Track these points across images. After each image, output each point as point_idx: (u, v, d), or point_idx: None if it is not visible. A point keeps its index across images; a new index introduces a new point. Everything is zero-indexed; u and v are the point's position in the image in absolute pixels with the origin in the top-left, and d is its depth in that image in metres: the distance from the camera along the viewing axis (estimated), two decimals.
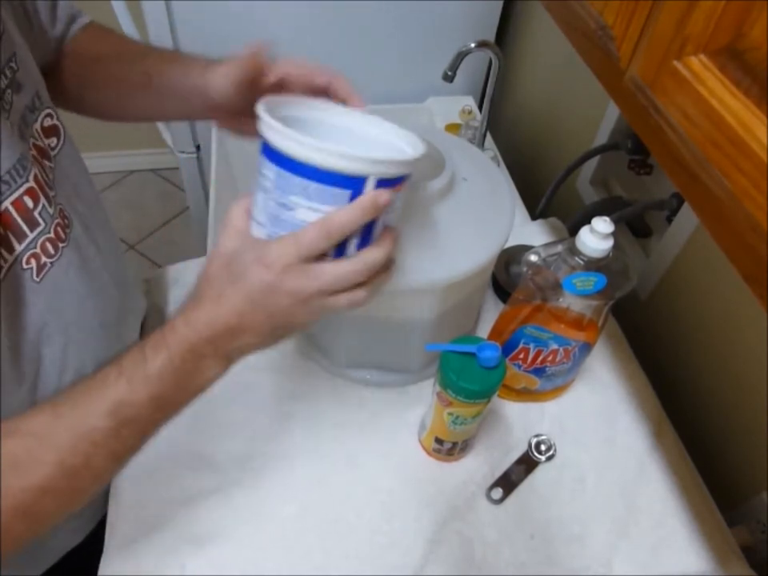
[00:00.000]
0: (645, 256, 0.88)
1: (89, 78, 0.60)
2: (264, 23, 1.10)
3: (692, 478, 0.67)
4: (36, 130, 0.50)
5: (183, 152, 1.33)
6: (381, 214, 0.41)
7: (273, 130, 0.39)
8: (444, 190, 0.59)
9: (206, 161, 1.35)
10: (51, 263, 0.49)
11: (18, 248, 0.46)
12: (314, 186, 0.39)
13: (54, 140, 0.53)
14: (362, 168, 0.39)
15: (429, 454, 0.66)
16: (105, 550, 0.59)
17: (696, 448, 0.70)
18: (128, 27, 1.18)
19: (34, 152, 0.48)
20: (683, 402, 0.78)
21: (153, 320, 0.76)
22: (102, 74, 0.59)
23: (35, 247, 0.47)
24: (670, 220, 0.81)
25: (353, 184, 0.40)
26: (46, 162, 0.50)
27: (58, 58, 0.59)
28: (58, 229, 0.49)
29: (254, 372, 0.72)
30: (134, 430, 0.42)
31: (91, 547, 0.66)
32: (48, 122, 0.52)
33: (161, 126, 1.36)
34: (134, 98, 0.59)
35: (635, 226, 0.91)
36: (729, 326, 0.72)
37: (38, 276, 0.48)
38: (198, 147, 1.33)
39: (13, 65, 0.47)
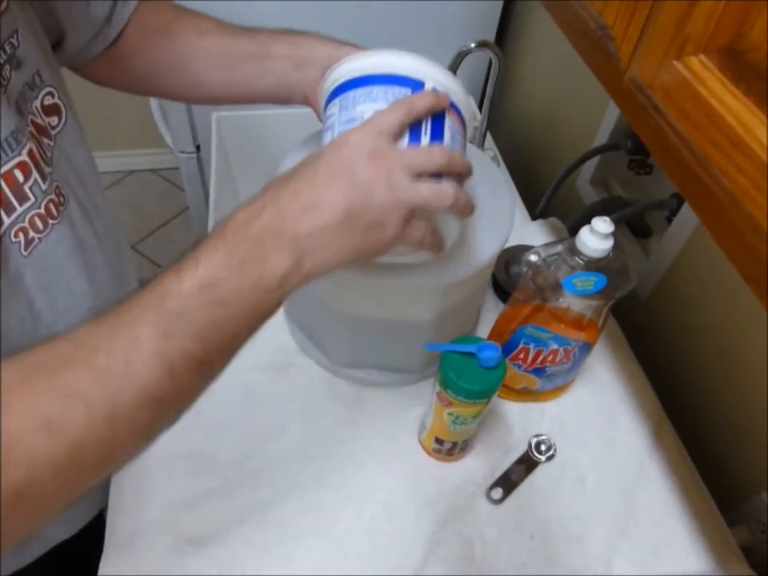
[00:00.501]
0: (645, 256, 0.88)
1: (170, 56, 0.60)
2: (263, 24, 1.10)
3: (692, 477, 0.67)
4: (36, 107, 0.50)
5: (183, 152, 1.34)
6: (446, 121, 0.45)
7: (340, 65, 0.47)
8: None
9: (206, 161, 1.35)
10: (39, 239, 0.48)
11: (6, 221, 0.45)
12: (377, 88, 0.45)
13: (55, 119, 0.53)
14: (418, 67, 0.45)
15: (429, 454, 0.66)
16: (105, 549, 0.59)
17: (696, 448, 0.70)
18: None
19: (32, 128, 0.48)
20: (683, 401, 0.78)
21: None
22: (194, 49, 0.59)
23: (23, 221, 0.47)
24: (670, 220, 0.81)
25: (412, 83, 0.45)
26: (45, 140, 0.50)
27: (123, 40, 0.59)
28: (50, 205, 0.49)
29: (253, 372, 0.72)
30: (185, 327, 0.35)
31: (83, 539, 0.66)
32: (49, 101, 0.51)
33: (161, 126, 1.36)
34: (237, 71, 0.59)
35: (635, 226, 0.91)
36: (729, 325, 0.72)
37: (25, 250, 0.47)
38: (197, 147, 1.33)
39: (14, 41, 0.47)
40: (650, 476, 0.67)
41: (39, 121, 0.50)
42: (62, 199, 0.51)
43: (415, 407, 0.69)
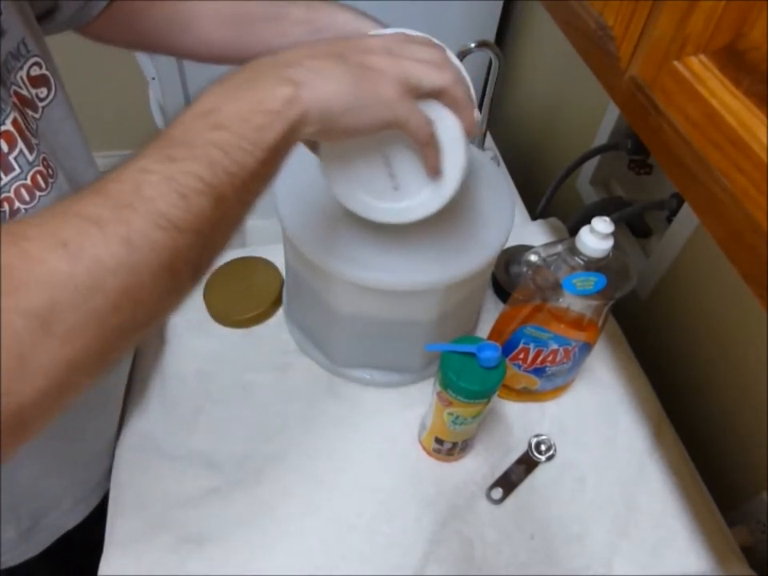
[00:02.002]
0: (645, 256, 0.88)
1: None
2: None
3: (692, 477, 0.67)
4: (21, 78, 0.48)
5: None
6: None
7: None
8: None
9: None
10: (26, 209, 0.47)
11: None
12: None
13: (44, 90, 0.51)
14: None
15: (429, 454, 0.66)
16: (105, 549, 0.59)
17: (696, 448, 0.70)
18: None
19: (14, 99, 0.46)
20: (683, 401, 0.78)
21: None
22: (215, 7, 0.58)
23: (9, 191, 0.45)
24: (670, 220, 0.81)
25: None
26: (30, 112, 0.49)
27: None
28: (37, 176, 0.47)
29: (253, 372, 0.72)
30: (190, 152, 0.34)
31: (87, 529, 0.66)
32: (36, 71, 0.50)
33: (161, 126, 1.36)
34: (250, 32, 0.57)
35: (635, 226, 0.91)
36: (728, 325, 0.72)
37: (10, 219, 0.46)
38: None
39: None
40: (650, 476, 0.67)
41: (24, 92, 0.48)
42: (50, 171, 0.49)
43: (415, 407, 0.69)
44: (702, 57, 0.35)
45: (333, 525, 0.61)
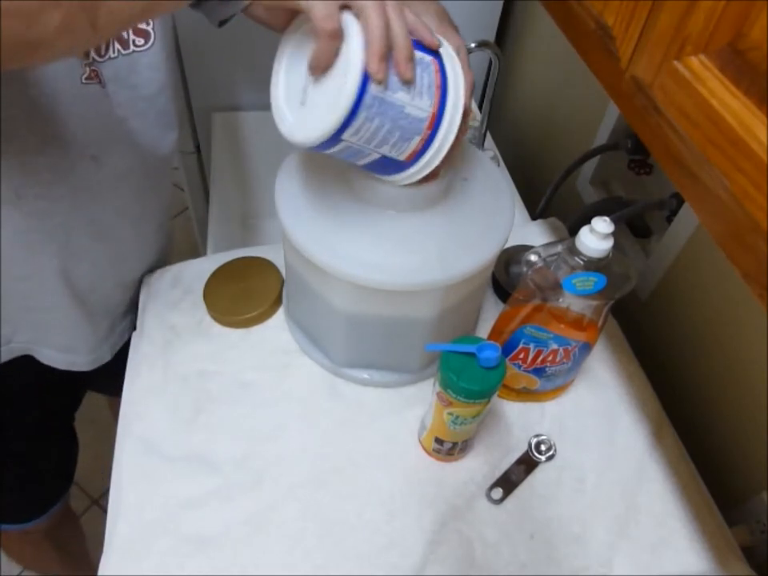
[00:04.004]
0: (645, 256, 0.88)
1: None
2: None
3: (692, 477, 0.67)
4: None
5: (183, 152, 1.34)
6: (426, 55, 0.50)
7: None
8: (444, 190, 0.59)
9: (206, 161, 1.35)
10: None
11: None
12: None
13: (142, 40, 0.60)
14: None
15: (429, 454, 0.66)
16: (105, 549, 0.59)
17: (696, 448, 0.70)
18: None
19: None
20: (683, 401, 0.78)
21: (151, 320, 0.76)
22: None
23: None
24: (669, 220, 0.81)
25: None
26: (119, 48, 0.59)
27: None
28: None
29: (253, 372, 0.72)
30: None
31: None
32: (142, 25, 0.59)
33: None
34: None
35: (635, 226, 0.91)
36: (729, 326, 0.72)
37: None
38: (197, 147, 1.33)
39: None
40: (650, 476, 0.67)
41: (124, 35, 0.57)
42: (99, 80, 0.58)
43: (415, 407, 0.69)
44: (702, 57, 0.35)
45: (333, 525, 0.61)
